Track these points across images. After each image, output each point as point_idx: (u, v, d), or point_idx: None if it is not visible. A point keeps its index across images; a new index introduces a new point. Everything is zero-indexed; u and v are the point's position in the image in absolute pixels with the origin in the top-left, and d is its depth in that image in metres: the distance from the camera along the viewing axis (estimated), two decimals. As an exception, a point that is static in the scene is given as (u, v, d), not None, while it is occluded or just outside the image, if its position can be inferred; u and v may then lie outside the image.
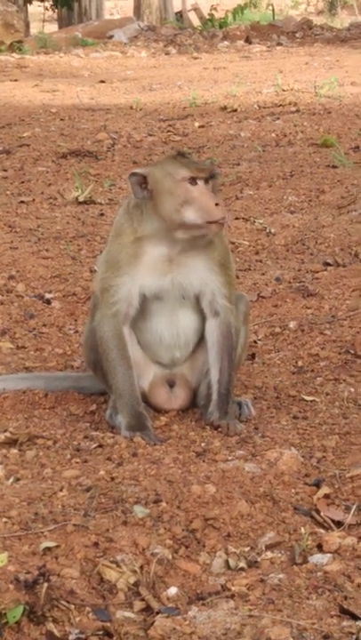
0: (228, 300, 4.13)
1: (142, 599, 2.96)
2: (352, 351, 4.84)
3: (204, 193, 3.98)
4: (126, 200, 4.19)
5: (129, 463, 3.72)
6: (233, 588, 3.01)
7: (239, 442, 3.92)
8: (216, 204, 3.95)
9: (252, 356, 4.87)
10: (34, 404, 4.40)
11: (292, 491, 3.52)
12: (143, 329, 4.15)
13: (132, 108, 12.73)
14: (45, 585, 2.86)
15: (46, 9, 31.72)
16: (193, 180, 3.98)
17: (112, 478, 3.57)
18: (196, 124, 11.48)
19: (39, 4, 31.07)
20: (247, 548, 3.22)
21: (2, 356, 4.90)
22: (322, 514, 3.39)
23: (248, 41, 23.51)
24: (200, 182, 3.98)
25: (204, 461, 3.73)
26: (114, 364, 4.07)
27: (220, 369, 4.12)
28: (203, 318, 4.16)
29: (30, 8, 31.08)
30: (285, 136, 10.55)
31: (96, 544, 3.12)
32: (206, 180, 3.99)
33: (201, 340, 4.20)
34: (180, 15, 30.96)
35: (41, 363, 4.85)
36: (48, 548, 3.08)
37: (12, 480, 3.61)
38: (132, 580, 3.01)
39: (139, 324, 4.14)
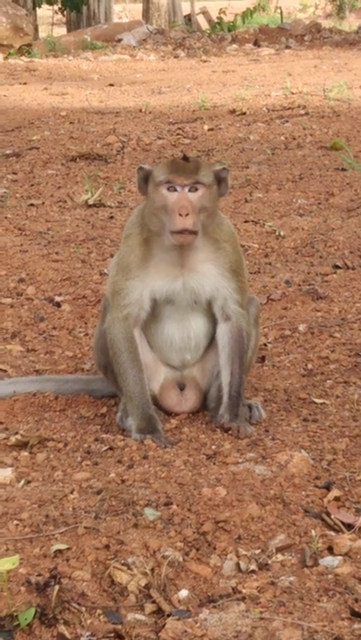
0: (240, 305, 4.12)
1: (153, 601, 2.96)
2: (362, 354, 4.84)
3: (177, 201, 3.91)
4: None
5: (140, 466, 3.72)
6: (244, 591, 3.01)
7: (250, 444, 3.93)
8: (181, 215, 3.87)
9: (263, 359, 4.88)
10: (44, 406, 4.41)
11: (303, 493, 3.52)
12: (154, 332, 4.15)
13: (141, 111, 12.75)
14: (57, 587, 2.87)
15: (55, 12, 31.76)
16: (171, 186, 3.94)
17: (123, 481, 3.57)
18: (206, 127, 11.49)
19: (48, 7, 31.12)
20: (258, 551, 3.22)
21: (12, 358, 4.91)
22: (332, 516, 3.38)
23: (257, 44, 23.54)
24: (179, 189, 3.93)
25: (214, 464, 3.73)
26: (125, 367, 4.07)
27: (230, 372, 4.12)
28: (214, 322, 4.16)
29: (39, 12, 31.14)
30: (294, 139, 10.56)
31: (107, 546, 3.12)
32: (191, 188, 3.93)
33: (212, 343, 4.20)
34: (188, 18, 30.97)
35: (51, 365, 4.86)
36: (59, 551, 3.08)
37: (22, 482, 3.62)
38: (142, 582, 3.02)
39: (150, 326, 4.14)
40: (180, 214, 3.88)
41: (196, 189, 3.95)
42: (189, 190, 3.94)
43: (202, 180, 3.95)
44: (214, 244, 4.07)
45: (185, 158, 4.00)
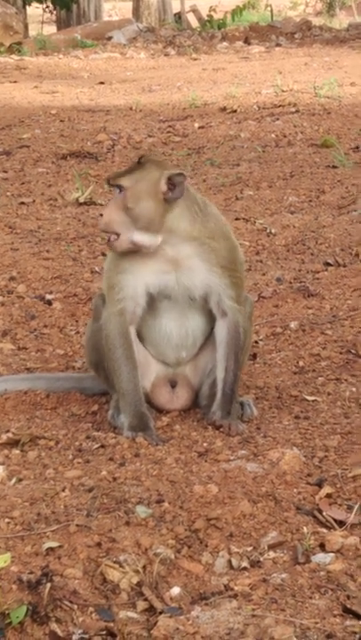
0: (235, 300, 4.12)
1: (145, 599, 2.96)
2: (353, 351, 4.84)
3: (110, 200, 4.05)
4: None
5: (131, 463, 3.72)
6: (236, 588, 3.01)
7: (241, 442, 3.93)
8: (101, 215, 4.05)
9: (254, 357, 4.88)
10: (36, 404, 4.40)
11: (295, 490, 3.52)
12: (152, 327, 4.15)
13: (131, 109, 12.73)
14: (48, 585, 2.87)
15: (44, 10, 31.72)
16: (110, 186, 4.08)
17: (114, 479, 3.57)
18: (196, 125, 11.48)
19: (38, 5, 31.06)
20: (250, 548, 3.22)
21: (3, 356, 4.91)
22: (324, 513, 3.38)
23: (247, 42, 23.51)
24: (115, 189, 4.04)
25: (206, 461, 3.73)
26: (118, 364, 4.07)
27: (225, 368, 4.12)
28: (211, 319, 4.16)
29: (29, 10, 31.07)
30: (285, 136, 10.56)
31: (99, 544, 3.12)
32: (120, 190, 4.01)
33: (206, 340, 4.20)
34: (178, 16, 30.91)
35: (42, 363, 4.85)
36: (51, 549, 3.08)
37: (14, 481, 3.62)
38: (134, 580, 3.01)
39: (148, 321, 4.14)
40: (101, 214, 4.01)
41: (121, 191, 4.00)
42: (119, 192, 4.02)
43: (122, 183, 4.01)
44: (195, 240, 4.06)
45: (139, 160, 4.07)
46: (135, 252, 4.04)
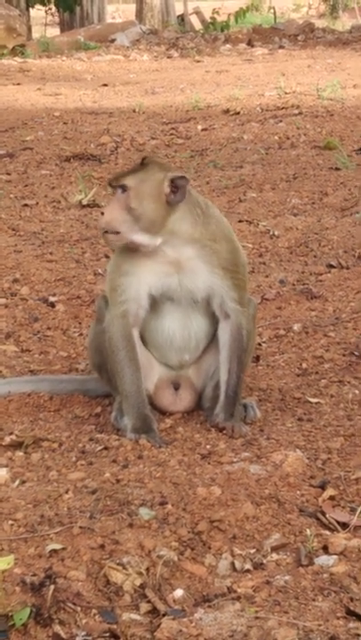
0: (237, 302, 4.11)
1: (148, 601, 2.96)
2: (356, 353, 4.84)
3: (111, 199, 4.08)
4: None
5: (134, 465, 3.72)
6: (239, 590, 3.01)
7: (244, 444, 3.92)
8: (102, 213, 4.08)
9: (257, 359, 4.88)
10: (39, 406, 4.41)
11: (298, 492, 3.52)
12: (155, 330, 4.15)
13: (134, 111, 12.75)
14: (52, 587, 2.87)
15: (47, 12, 31.76)
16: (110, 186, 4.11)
17: (117, 480, 3.57)
18: (199, 127, 11.49)
19: (41, 7, 31.10)
20: (253, 550, 3.22)
21: (6, 359, 4.91)
22: (327, 515, 3.38)
23: (250, 44, 23.53)
24: (117, 190, 4.04)
25: (209, 463, 3.73)
26: (122, 366, 4.07)
27: (228, 370, 4.12)
28: (214, 321, 4.16)
29: (32, 12, 31.11)
30: (288, 139, 10.56)
31: (102, 546, 3.12)
32: (123, 190, 4.00)
33: (210, 342, 4.20)
34: (181, 19, 30.95)
35: (46, 366, 4.86)
36: (54, 551, 3.08)
37: (17, 483, 3.62)
38: (138, 582, 3.01)
39: (151, 324, 4.14)
40: (102, 212, 4.07)
41: (124, 191, 3.98)
42: (122, 192, 4.00)
43: (125, 183, 4.00)
44: (197, 242, 4.06)
45: (142, 161, 4.07)
46: (135, 251, 4.04)
